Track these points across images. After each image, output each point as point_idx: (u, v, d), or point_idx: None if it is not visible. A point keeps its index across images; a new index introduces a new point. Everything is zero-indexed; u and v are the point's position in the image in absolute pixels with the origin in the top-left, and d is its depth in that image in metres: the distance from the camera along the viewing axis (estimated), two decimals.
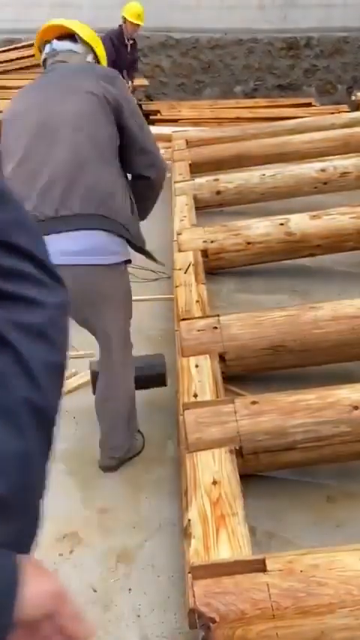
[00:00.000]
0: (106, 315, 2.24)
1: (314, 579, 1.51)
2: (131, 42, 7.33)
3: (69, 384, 2.96)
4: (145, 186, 2.29)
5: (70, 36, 2.35)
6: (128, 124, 2.19)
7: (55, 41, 2.34)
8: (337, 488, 2.23)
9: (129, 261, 2.25)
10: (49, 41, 2.37)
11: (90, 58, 2.39)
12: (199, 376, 2.55)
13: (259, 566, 1.54)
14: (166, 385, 2.59)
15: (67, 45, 2.33)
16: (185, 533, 1.82)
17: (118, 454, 2.35)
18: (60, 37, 2.35)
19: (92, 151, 2.09)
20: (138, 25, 7.17)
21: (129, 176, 2.30)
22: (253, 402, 2.25)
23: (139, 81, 8.45)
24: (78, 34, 2.35)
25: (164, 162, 2.35)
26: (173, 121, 8.19)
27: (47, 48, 2.36)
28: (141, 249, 2.32)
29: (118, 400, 2.31)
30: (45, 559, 1.94)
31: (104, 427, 2.35)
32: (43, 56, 2.39)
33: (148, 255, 2.40)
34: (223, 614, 1.47)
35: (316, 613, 1.46)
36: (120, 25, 7.23)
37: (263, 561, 1.55)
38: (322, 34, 8.87)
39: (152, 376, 2.61)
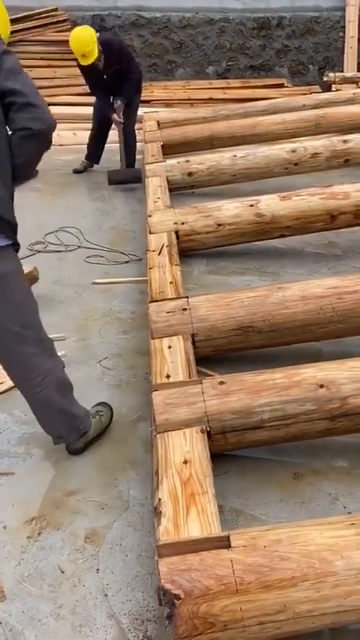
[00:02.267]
0: (10, 300, 2.04)
1: (277, 554, 1.53)
2: (101, 62, 5.49)
3: None
4: (26, 138, 1.97)
5: None
6: (7, 85, 1.95)
7: None
8: (303, 465, 2.26)
9: (18, 247, 2.08)
10: None
11: None
12: (171, 357, 2.55)
13: (224, 543, 1.56)
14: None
15: None
16: (155, 512, 1.83)
17: (68, 440, 2.32)
18: None
19: None
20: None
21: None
22: (221, 383, 2.26)
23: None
24: None
25: (51, 117, 2.03)
26: (145, 102, 8.09)
27: None
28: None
29: (42, 394, 2.18)
30: (13, 542, 1.95)
31: (39, 419, 2.28)
32: None
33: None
34: (188, 590, 1.48)
35: (279, 587, 1.49)
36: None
37: (227, 538, 1.57)
38: (294, 14, 8.82)
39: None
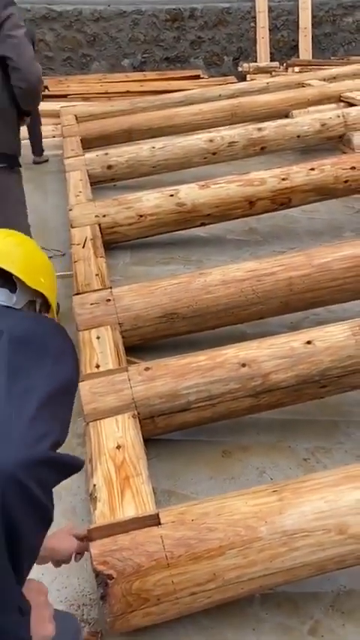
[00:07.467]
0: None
1: (205, 526, 1.59)
2: None
3: None
4: (20, 93, 2.76)
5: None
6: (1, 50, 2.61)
7: None
8: (231, 442, 2.33)
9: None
10: None
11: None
12: (100, 347, 2.56)
13: (154, 521, 1.61)
14: None
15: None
16: (91, 498, 1.85)
17: None
18: None
19: None
20: None
21: None
22: (147, 369, 2.30)
23: None
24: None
25: (34, 75, 2.73)
26: (62, 97, 8.01)
27: None
28: None
29: None
30: None
31: None
32: None
33: None
34: (120, 569, 1.52)
35: (208, 557, 1.55)
36: None
37: (157, 516, 1.62)
38: (205, 5, 8.92)
39: None
